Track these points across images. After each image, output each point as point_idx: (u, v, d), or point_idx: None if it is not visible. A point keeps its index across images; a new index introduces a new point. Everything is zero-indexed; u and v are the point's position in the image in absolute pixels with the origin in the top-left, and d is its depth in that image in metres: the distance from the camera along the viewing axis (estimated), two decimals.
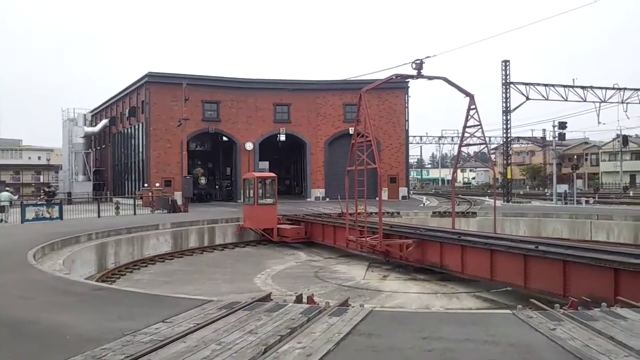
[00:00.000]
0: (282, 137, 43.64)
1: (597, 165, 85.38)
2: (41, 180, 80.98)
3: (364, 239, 17.23)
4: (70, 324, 6.65)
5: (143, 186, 39.18)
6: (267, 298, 8.48)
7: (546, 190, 65.23)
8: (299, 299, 8.91)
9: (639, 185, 75.27)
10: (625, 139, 60.59)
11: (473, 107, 18.45)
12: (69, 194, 45.84)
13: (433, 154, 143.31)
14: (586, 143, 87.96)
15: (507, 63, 39.41)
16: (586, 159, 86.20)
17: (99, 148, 56.76)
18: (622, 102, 41.61)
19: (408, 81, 39.62)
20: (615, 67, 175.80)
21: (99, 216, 25.69)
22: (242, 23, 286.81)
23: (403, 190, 44.84)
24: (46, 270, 11.38)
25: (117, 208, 27.99)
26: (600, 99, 40.91)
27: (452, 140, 79.38)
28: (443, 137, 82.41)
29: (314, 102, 44.40)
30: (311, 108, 44.43)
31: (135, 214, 27.98)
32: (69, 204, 30.02)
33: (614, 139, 74.06)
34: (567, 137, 50.19)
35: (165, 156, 40.36)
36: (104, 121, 52.78)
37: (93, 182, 50.75)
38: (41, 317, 7.08)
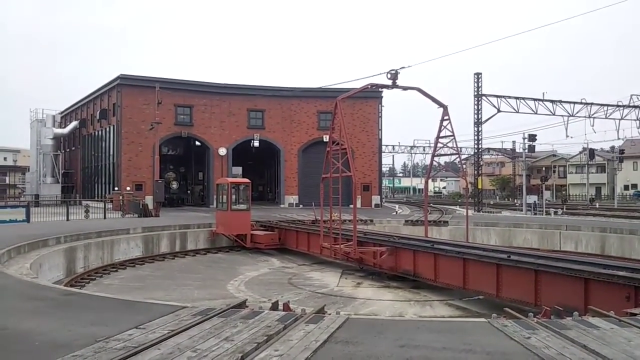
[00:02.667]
0: (256, 143, 43.51)
1: (565, 177, 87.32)
2: (7, 182, 78.94)
3: (338, 246, 17.22)
4: (39, 330, 6.45)
5: (113, 190, 38.55)
6: (242, 305, 8.37)
7: (516, 201, 66.36)
8: (274, 306, 8.82)
9: (605, 197, 77.15)
10: (591, 153, 62.18)
11: (446, 117, 18.66)
12: (37, 196, 44.79)
13: (405, 163, 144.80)
14: (554, 155, 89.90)
15: (480, 76, 40.03)
16: (554, 171, 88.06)
17: (68, 150, 55.67)
18: (589, 117, 42.70)
19: (382, 91, 39.97)
20: (582, 83, 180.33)
21: (67, 219, 25.14)
22: (216, 29, 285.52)
23: (376, 199, 45.10)
24: (12, 274, 11.06)
25: (87, 211, 27.44)
26: (568, 113, 41.90)
27: (424, 150, 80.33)
28: (415, 146, 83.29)
29: (288, 109, 44.40)
30: (285, 115, 44.41)
31: (105, 217, 27.46)
32: (36, 207, 29.31)
33: (580, 152, 75.88)
34: (536, 149, 51.26)
35: (137, 160, 39.80)
36: (74, 123, 51.81)
37: (62, 184, 49.75)
38: (8, 322, 6.85)
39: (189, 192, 47.95)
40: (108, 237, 19.75)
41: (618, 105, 43.62)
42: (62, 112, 55.76)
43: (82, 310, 7.71)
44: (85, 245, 18.13)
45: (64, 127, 53.02)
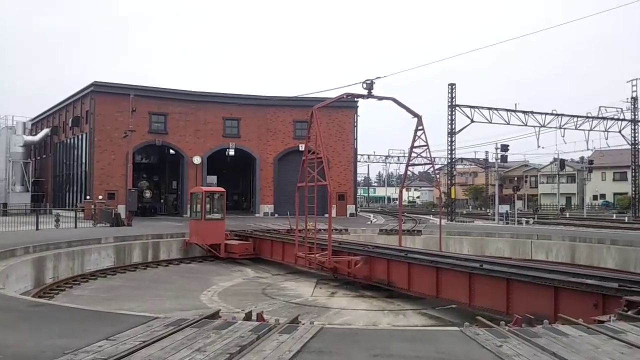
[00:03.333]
0: (232, 152, 43.37)
1: (536, 187, 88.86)
2: None
3: (313, 255, 17.20)
4: (5, 343, 6.29)
5: (85, 198, 37.91)
6: (215, 315, 8.29)
7: (488, 211, 67.23)
8: (248, 316, 8.75)
9: (575, 206, 78.68)
10: (562, 163, 63.44)
11: (420, 127, 18.84)
12: (5, 205, 43.70)
13: (380, 172, 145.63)
14: (526, 165, 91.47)
15: (453, 86, 40.59)
16: (526, 181, 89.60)
17: (39, 158, 54.68)
18: (560, 128, 43.62)
19: (357, 101, 40.22)
20: (553, 94, 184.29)
21: (37, 229, 24.61)
22: (191, 36, 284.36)
23: (351, 208, 45.24)
24: None
25: (57, 221, 26.90)
26: (540, 123, 42.73)
27: (399, 159, 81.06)
28: (390, 156, 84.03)
29: (264, 118, 44.36)
30: (261, 123, 44.36)
31: (76, 227, 26.97)
32: (4, 216, 28.67)
33: (551, 163, 77.39)
34: (508, 159, 52.08)
35: (109, 168, 39.27)
36: (45, 130, 50.94)
37: (32, 193, 48.71)
38: None
39: (162, 201, 47.43)
40: (79, 247, 19.39)
41: (587, 117, 44.69)
42: (33, 119, 54.82)
43: (50, 322, 7.55)
44: (55, 255, 17.76)
45: (35, 134, 52.07)
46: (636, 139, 48.82)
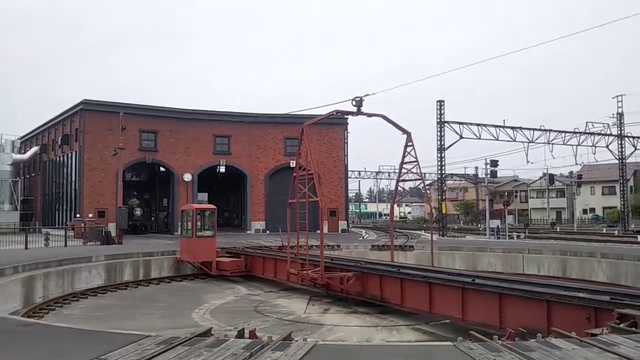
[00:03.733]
0: (222, 169, 43.26)
1: (527, 202, 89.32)
2: None
3: (305, 272, 17.13)
4: None
5: (75, 217, 37.63)
6: (207, 333, 8.22)
7: (479, 225, 67.44)
8: (240, 334, 8.69)
9: (565, 221, 79.08)
10: (551, 178, 63.90)
11: (410, 144, 18.94)
12: None
13: (371, 188, 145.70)
14: (516, 180, 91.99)
15: (442, 103, 40.91)
16: (516, 196, 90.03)
17: (28, 176, 54.30)
18: (548, 143, 44.04)
19: (347, 117, 40.44)
20: (541, 110, 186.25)
21: (26, 248, 24.36)
22: (181, 53, 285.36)
23: (342, 224, 45.22)
24: None
25: (47, 239, 26.65)
26: (528, 139, 43.13)
27: (389, 175, 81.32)
28: (381, 172, 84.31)
29: (254, 135, 44.42)
30: (252, 140, 44.40)
31: (66, 245, 26.72)
32: None
33: (541, 178, 77.91)
34: (498, 174, 52.36)
35: (100, 186, 39.06)
36: (35, 148, 50.69)
37: (20, 211, 48.25)
38: None
39: (153, 218, 47.16)
40: (69, 266, 19.20)
41: (575, 132, 45.16)
42: (22, 138, 54.51)
43: (39, 342, 7.45)
44: (45, 274, 17.57)
45: (24, 152, 51.78)
46: (623, 153, 49.37)
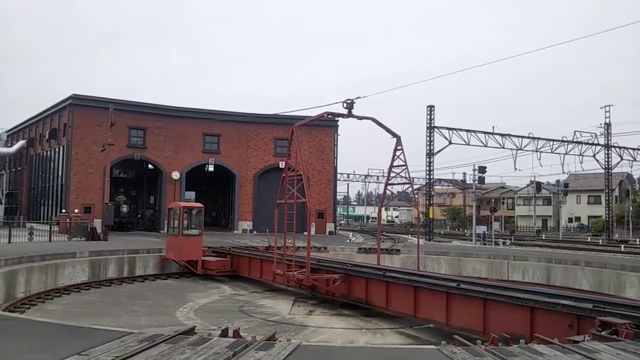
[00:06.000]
0: (211, 168, 43.10)
1: (513, 208, 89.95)
2: None
3: (291, 273, 17.11)
4: None
5: (61, 212, 37.29)
6: (191, 331, 8.18)
7: (466, 231, 67.77)
8: (224, 333, 8.66)
9: (551, 228, 79.70)
10: (538, 186, 64.43)
11: (399, 147, 18.96)
12: None
13: (359, 191, 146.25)
14: (503, 187, 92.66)
15: (432, 108, 41.08)
16: (503, 203, 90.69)
17: (14, 170, 53.78)
18: (536, 151, 44.40)
19: (338, 120, 40.53)
20: (529, 118, 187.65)
21: (9, 242, 24.08)
22: (173, 51, 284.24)
23: (330, 226, 45.23)
24: None
25: (31, 234, 26.37)
26: (516, 146, 43.47)
27: (378, 179, 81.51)
28: (369, 175, 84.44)
29: (244, 135, 44.32)
30: (242, 140, 44.29)
31: (50, 240, 26.46)
32: None
33: (528, 185, 78.53)
34: (486, 181, 52.82)
35: (86, 182, 38.76)
36: (21, 142, 50.22)
37: (5, 205, 47.79)
38: None
39: (139, 216, 46.89)
40: (52, 261, 19.01)
41: (563, 141, 45.56)
42: (8, 131, 53.97)
43: (20, 336, 7.37)
44: (28, 268, 17.38)
45: (10, 146, 51.27)
46: (610, 163, 49.84)
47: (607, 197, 52.60)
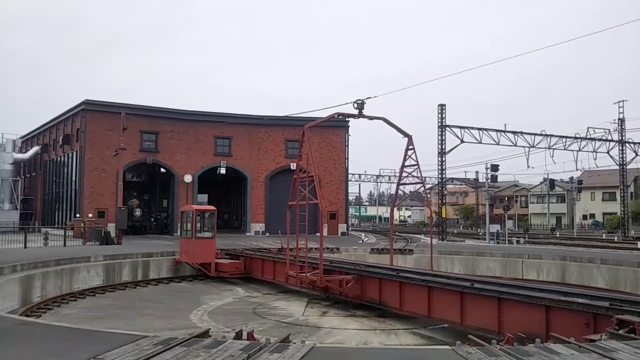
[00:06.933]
0: (223, 171, 43.23)
1: (527, 206, 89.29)
2: None
3: (304, 274, 17.11)
4: None
5: (75, 216, 37.62)
6: (205, 334, 8.21)
7: (479, 230, 67.41)
8: (238, 335, 8.67)
9: (565, 226, 79.02)
10: (552, 183, 63.85)
11: (411, 147, 18.91)
12: None
13: (371, 191, 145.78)
14: (516, 185, 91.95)
15: (443, 107, 40.92)
16: (516, 201, 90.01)
17: (28, 176, 54.31)
18: (549, 148, 44.03)
19: (349, 120, 40.52)
20: (542, 115, 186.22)
21: (25, 247, 24.36)
22: (183, 56, 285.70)
23: (342, 227, 45.16)
24: None
25: (46, 239, 26.66)
26: (529, 144, 43.13)
27: (390, 179, 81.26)
28: (381, 175, 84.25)
29: (255, 137, 44.43)
30: (253, 142, 44.41)
31: (65, 245, 26.73)
32: None
33: (541, 183, 77.83)
34: (498, 179, 52.40)
35: (100, 186, 39.06)
36: (35, 148, 50.72)
37: (20, 211, 48.30)
38: None
39: (152, 219, 47.14)
40: (67, 265, 19.19)
41: (576, 138, 45.14)
42: (23, 137, 54.55)
43: (37, 340, 7.44)
44: (43, 273, 17.56)
45: (25, 152, 51.82)
46: (624, 159, 49.30)
47: (622, 194, 52.02)
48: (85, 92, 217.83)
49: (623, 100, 49.55)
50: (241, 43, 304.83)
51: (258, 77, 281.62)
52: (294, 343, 7.64)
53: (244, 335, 8.78)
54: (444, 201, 43.63)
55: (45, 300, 16.77)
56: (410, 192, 23.50)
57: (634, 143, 49.24)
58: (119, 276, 21.19)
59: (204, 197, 43.32)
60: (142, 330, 9.36)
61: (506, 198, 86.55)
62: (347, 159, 46.17)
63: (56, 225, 39.37)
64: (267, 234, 42.03)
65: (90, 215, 36.30)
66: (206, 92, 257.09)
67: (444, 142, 40.74)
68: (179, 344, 6.94)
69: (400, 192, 21.66)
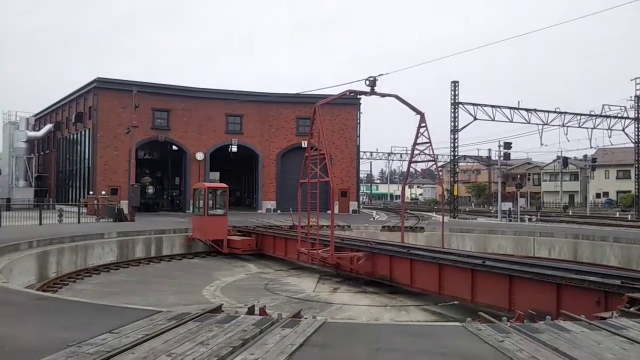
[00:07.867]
0: (234, 148, 43.32)
1: (539, 184, 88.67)
2: None
3: (315, 251, 17.22)
4: (9, 335, 6.33)
5: (88, 194, 38.01)
6: (218, 309, 8.33)
7: (491, 208, 67.15)
8: (250, 311, 8.80)
9: (577, 204, 78.51)
10: (565, 161, 63.23)
11: (423, 125, 18.80)
12: (8, 200, 43.85)
13: (382, 169, 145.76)
14: (529, 163, 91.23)
15: (456, 84, 40.48)
16: (529, 179, 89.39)
17: (42, 153, 54.78)
18: (563, 126, 43.45)
19: (360, 98, 40.18)
20: (556, 92, 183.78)
21: (40, 224, 24.71)
22: (194, 33, 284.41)
23: (353, 204, 45.22)
24: None
25: (60, 216, 27.00)
26: (543, 121, 42.59)
27: (401, 157, 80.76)
28: (392, 153, 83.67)
29: (267, 115, 44.34)
30: (264, 120, 44.35)
31: (79, 222, 27.06)
32: (7, 211, 28.74)
33: (554, 160, 77.13)
34: (511, 157, 52.05)
35: (113, 164, 39.33)
36: (49, 126, 51.04)
37: (35, 188, 48.86)
38: None
39: (165, 197, 47.51)
40: (82, 242, 19.47)
41: (590, 115, 44.50)
42: (36, 115, 54.89)
43: (54, 315, 7.59)
44: (59, 249, 17.84)
45: (38, 130, 52.21)
46: None
47: (637, 172, 51.36)
48: (94, 72, 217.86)
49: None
50: (252, 22, 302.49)
51: (270, 56, 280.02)
52: (306, 318, 7.73)
53: (256, 311, 8.91)
54: (456, 179, 43.45)
55: (60, 275, 17.06)
56: (422, 169, 23.46)
57: None
58: (133, 252, 21.47)
59: (215, 175, 43.52)
60: (156, 306, 9.51)
61: (519, 176, 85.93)
62: (359, 136, 46.02)
63: (70, 203, 39.81)
64: (279, 211, 42.21)
65: (103, 192, 36.65)
66: (217, 72, 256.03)
67: (456, 120, 40.40)
68: (192, 319, 7.05)
69: (412, 169, 21.58)
